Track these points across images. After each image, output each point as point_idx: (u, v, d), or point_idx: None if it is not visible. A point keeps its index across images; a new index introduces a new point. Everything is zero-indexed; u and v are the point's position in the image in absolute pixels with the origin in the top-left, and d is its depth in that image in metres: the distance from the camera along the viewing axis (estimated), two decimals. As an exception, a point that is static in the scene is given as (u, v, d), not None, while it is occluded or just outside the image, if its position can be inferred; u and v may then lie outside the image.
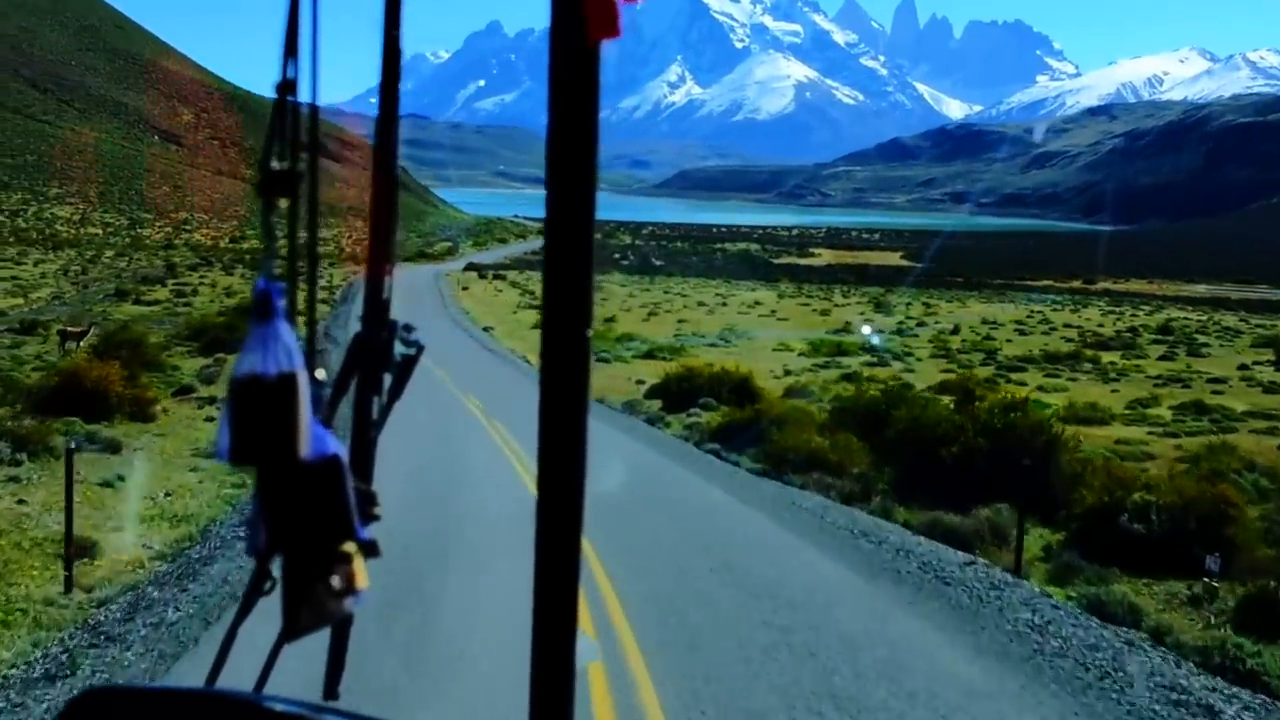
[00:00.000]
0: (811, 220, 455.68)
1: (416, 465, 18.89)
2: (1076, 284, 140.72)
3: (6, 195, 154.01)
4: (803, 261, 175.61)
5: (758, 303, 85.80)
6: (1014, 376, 43.94)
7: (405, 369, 1.26)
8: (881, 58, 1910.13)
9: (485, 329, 56.66)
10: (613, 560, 13.02)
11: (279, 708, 1.09)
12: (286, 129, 1.04)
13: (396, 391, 1.26)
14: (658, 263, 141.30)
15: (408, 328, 1.26)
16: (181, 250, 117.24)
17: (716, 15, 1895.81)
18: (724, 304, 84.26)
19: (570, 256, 1.08)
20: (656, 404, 31.93)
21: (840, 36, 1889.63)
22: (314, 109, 1.06)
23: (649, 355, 46.00)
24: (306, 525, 1.06)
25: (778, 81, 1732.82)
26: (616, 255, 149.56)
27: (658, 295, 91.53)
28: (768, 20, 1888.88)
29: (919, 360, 49.33)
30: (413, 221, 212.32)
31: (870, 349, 50.77)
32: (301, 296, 1.05)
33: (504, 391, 31.00)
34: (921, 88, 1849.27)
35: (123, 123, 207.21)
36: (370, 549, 1.14)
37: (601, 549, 13.18)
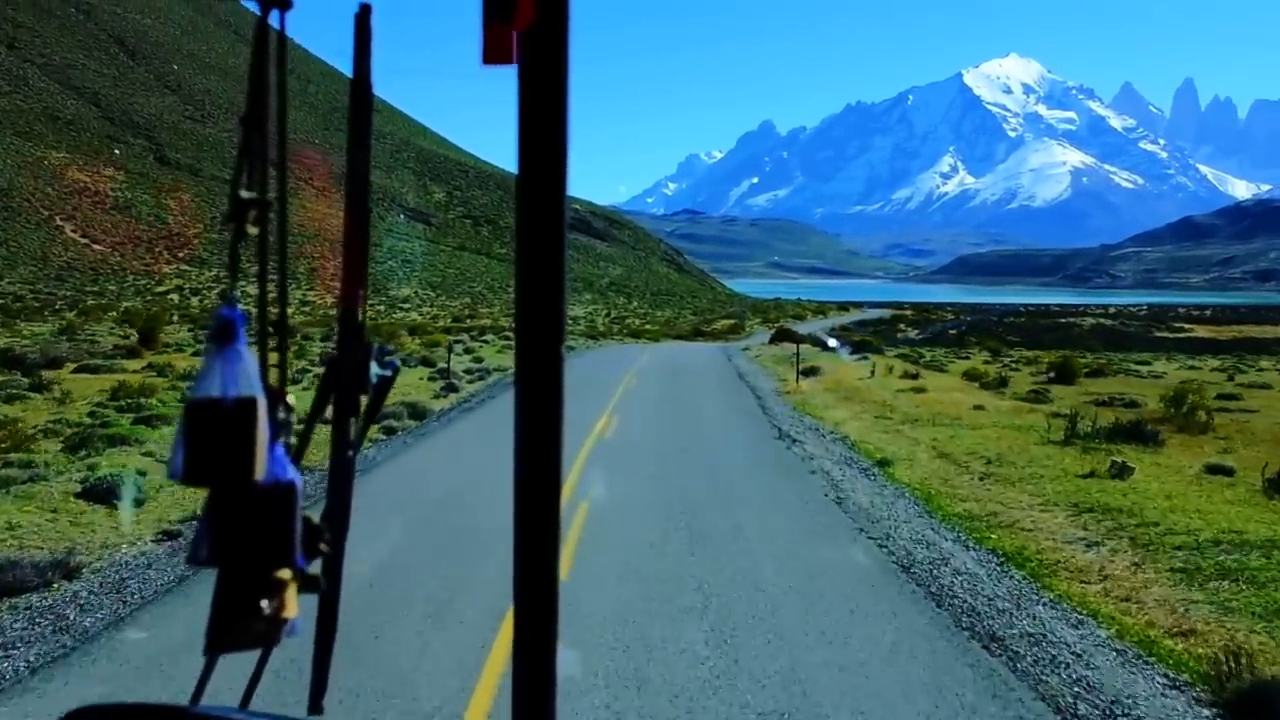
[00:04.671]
0: (1114, 300, 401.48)
1: None
2: None
3: (199, 272, 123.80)
4: (1173, 335, 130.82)
5: None
6: None
7: (380, 391, 1.19)
8: (1161, 141, 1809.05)
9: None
10: None
11: None
12: (255, 159, 1.01)
13: (372, 413, 1.20)
14: (1012, 338, 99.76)
15: (383, 349, 1.19)
16: (382, 327, 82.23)
17: (989, 106, 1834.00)
18: None
19: (542, 268, 1.06)
20: None
21: (1117, 121, 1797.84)
22: (282, 140, 1.04)
23: None
24: (249, 548, 1.02)
25: (1052, 169, 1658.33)
26: (951, 331, 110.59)
27: (1208, 375, 45.94)
28: (1041, 109, 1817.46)
29: None
30: (687, 299, 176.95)
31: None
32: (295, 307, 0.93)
33: None
34: (1204, 169, 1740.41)
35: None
36: (310, 582, 1.10)
37: None
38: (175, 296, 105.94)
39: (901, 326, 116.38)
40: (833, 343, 45.73)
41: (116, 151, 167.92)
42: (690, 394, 32.76)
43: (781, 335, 69.90)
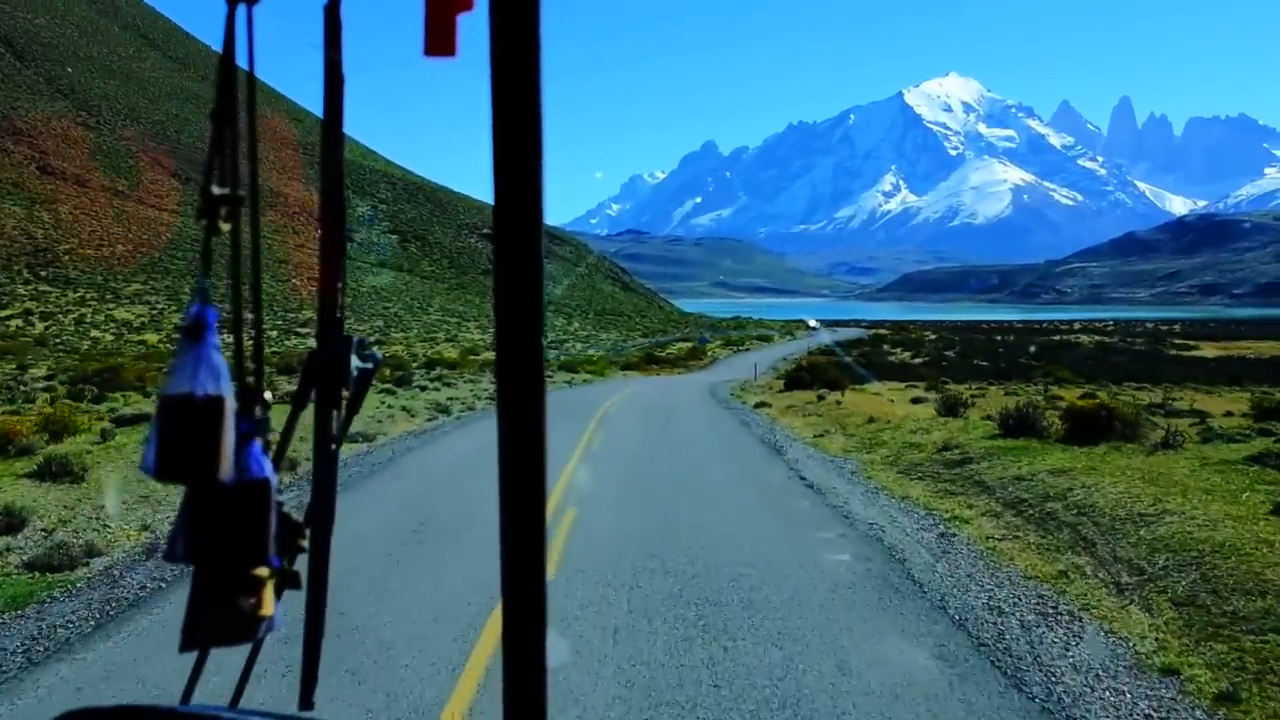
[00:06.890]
0: (1065, 316, 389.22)
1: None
2: None
3: (61, 292, 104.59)
4: (1187, 354, 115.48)
5: None
6: None
7: (362, 383, 1.20)
8: (1100, 158, 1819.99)
9: None
10: None
11: None
12: (226, 155, 1.00)
13: (354, 406, 1.20)
14: (1028, 361, 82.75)
15: (363, 342, 1.19)
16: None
17: (930, 125, 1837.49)
18: None
19: (521, 261, 1.03)
20: None
21: (1056, 140, 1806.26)
22: (252, 136, 1.03)
23: None
24: (223, 545, 1.01)
25: (994, 186, 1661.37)
26: (950, 352, 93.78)
27: None
28: (982, 128, 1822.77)
29: None
30: (635, 318, 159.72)
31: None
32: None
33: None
34: (1142, 185, 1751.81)
35: (280, 214, 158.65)
36: (289, 579, 1.10)
37: None
38: (18, 322, 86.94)
39: (886, 347, 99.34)
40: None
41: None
42: None
43: (798, 376, 45.06)
